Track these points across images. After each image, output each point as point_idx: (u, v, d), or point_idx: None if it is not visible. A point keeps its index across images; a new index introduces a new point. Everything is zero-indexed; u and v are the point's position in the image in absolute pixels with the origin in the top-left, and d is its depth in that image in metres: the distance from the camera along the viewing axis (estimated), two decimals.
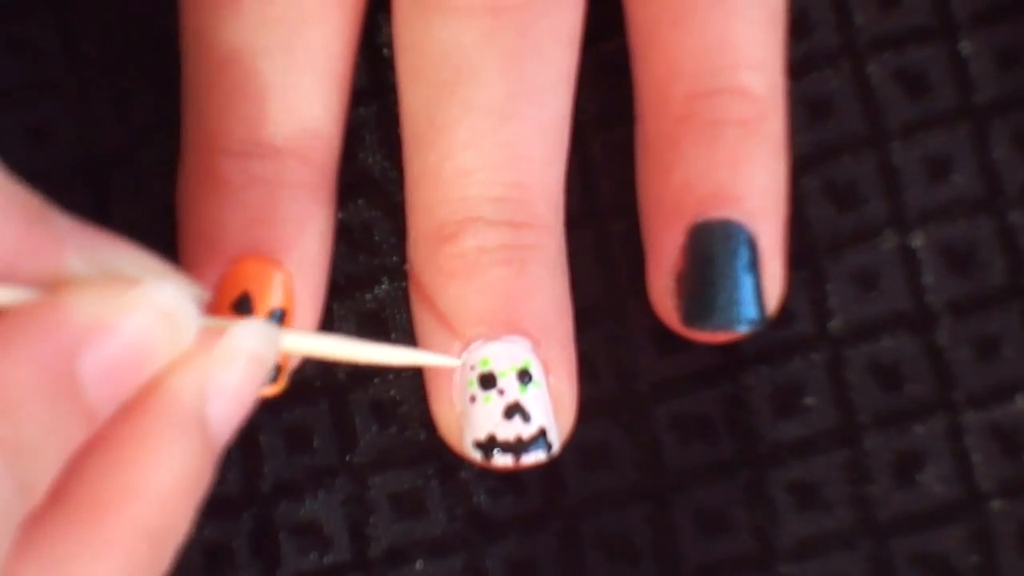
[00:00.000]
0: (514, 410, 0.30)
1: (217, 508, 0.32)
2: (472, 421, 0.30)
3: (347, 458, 0.32)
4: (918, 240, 0.32)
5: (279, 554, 0.32)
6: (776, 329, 0.32)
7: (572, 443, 0.31)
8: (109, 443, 0.25)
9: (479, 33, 0.30)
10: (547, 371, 0.30)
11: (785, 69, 0.31)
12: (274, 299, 0.31)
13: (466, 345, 0.30)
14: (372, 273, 0.33)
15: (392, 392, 0.32)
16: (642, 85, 0.32)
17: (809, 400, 0.32)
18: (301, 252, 0.31)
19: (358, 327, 0.33)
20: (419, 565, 0.32)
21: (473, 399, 0.30)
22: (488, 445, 0.30)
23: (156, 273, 0.26)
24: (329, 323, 0.32)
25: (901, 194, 0.32)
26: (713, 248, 0.30)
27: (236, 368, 0.26)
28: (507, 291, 0.30)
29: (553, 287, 0.31)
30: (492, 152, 0.30)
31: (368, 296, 0.33)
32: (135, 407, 0.25)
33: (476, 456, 0.30)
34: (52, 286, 0.25)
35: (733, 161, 0.31)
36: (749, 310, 0.31)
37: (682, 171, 0.31)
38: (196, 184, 0.31)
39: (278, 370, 0.31)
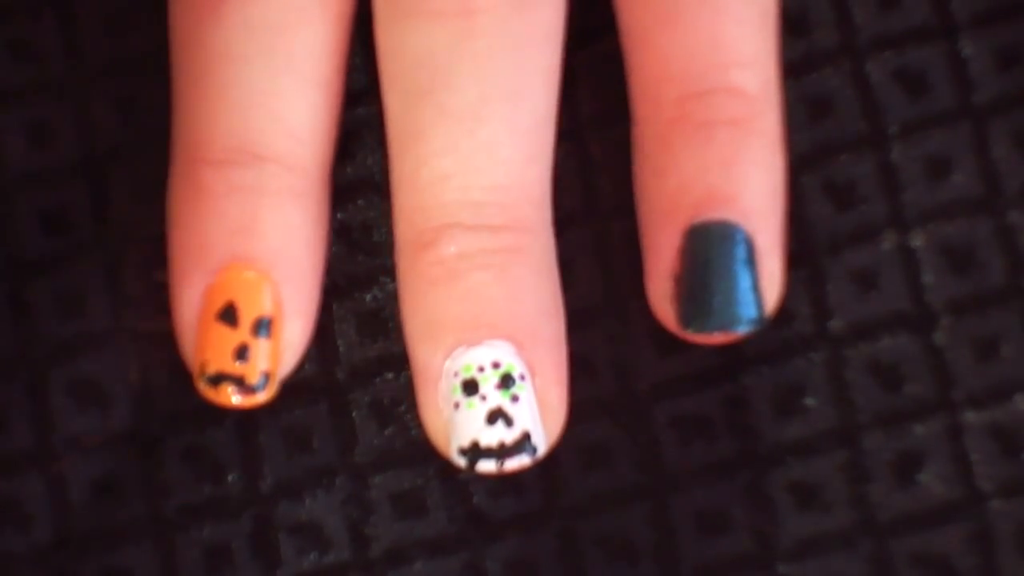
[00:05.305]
0: (497, 415, 0.30)
1: (217, 508, 0.32)
2: (456, 428, 0.30)
3: (347, 458, 0.32)
4: (918, 240, 0.32)
5: (279, 554, 0.32)
6: (776, 329, 0.32)
7: (572, 443, 0.31)
8: None
9: (451, 36, 0.30)
10: (533, 373, 0.30)
11: (779, 65, 0.31)
12: (259, 308, 0.30)
13: (449, 352, 0.30)
14: (372, 273, 0.33)
15: (392, 392, 0.32)
16: (635, 88, 0.32)
17: (809, 400, 0.32)
18: (288, 259, 0.31)
19: (358, 327, 0.33)
20: (419, 565, 0.32)
21: (457, 406, 0.30)
22: (472, 452, 0.30)
23: None
24: (329, 324, 0.33)
25: (901, 194, 0.32)
26: (709, 249, 0.30)
27: None
28: (488, 296, 0.30)
29: (538, 289, 0.31)
30: (468, 156, 0.30)
31: (368, 296, 0.33)
32: None
33: (461, 463, 0.30)
34: None
35: (726, 161, 0.30)
36: (748, 310, 0.30)
37: (676, 174, 0.31)
38: (180, 194, 0.31)
39: (268, 377, 0.31)
